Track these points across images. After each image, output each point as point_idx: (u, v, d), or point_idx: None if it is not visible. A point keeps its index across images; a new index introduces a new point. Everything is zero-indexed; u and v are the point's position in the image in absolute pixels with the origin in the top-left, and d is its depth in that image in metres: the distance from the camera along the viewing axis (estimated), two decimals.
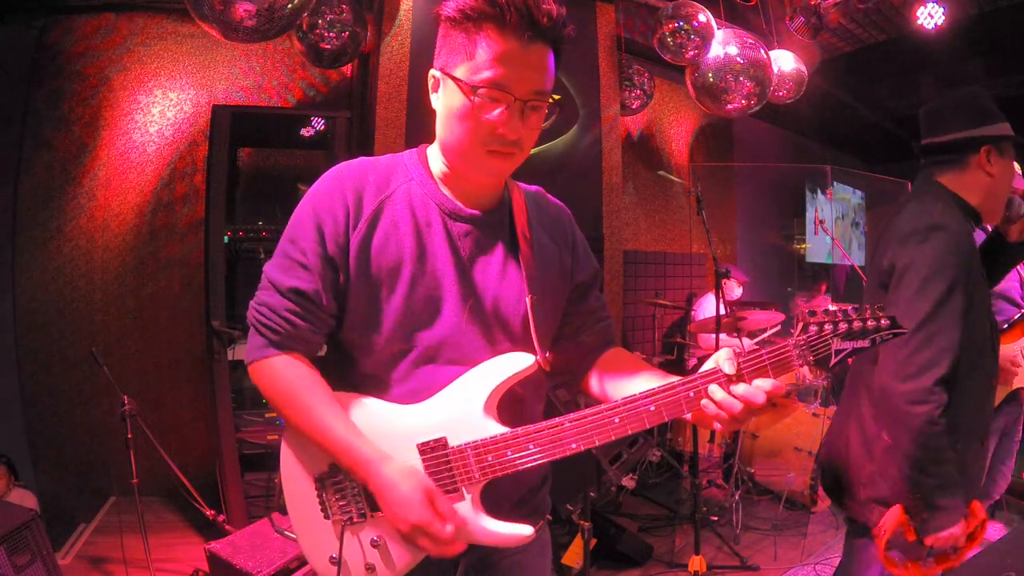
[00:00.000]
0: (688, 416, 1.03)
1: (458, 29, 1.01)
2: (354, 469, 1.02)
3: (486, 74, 0.99)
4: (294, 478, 1.12)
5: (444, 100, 1.06)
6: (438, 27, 1.06)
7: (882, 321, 1.00)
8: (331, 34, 3.28)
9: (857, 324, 0.99)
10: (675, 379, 1.03)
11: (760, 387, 0.97)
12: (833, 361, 0.99)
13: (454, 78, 1.02)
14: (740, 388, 0.97)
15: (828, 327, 0.99)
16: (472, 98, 1.00)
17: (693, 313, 4.84)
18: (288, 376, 1.07)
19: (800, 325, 1.01)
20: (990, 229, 1.88)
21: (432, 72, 1.08)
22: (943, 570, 1.50)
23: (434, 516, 0.98)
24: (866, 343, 1.00)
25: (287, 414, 1.07)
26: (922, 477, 1.43)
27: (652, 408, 1.00)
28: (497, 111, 1.01)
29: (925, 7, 3.85)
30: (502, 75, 0.99)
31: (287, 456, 1.13)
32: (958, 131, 1.60)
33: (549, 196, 1.29)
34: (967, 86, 1.68)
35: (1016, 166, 2.13)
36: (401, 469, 1.01)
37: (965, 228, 1.53)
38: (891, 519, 1.49)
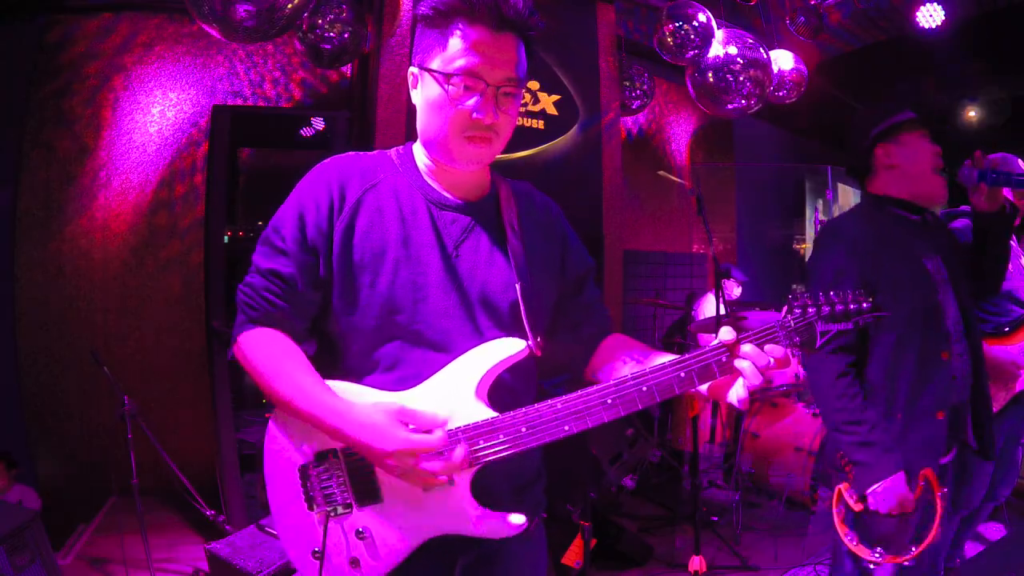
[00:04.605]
0: (703, 389, 1.05)
1: (432, 26, 1.07)
2: (326, 422, 1.02)
3: (459, 63, 1.04)
4: (277, 470, 1.11)
5: (423, 93, 1.11)
6: (415, 29, 1.11)
7: (863, 304, 1.04)
8: (331, 34, 3.28)
9: (840, 307, 1.03)
10: (669, 358, 1.05)
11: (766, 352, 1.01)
12: (818, 343, 1.03)
13: (430, 70, 1.07)
14: (748, 347, 1.00)
15: (812, 309, 1.03)
16: (447, 87, 1.05)
17: (693, 313, 4.83)
18: (262, 345, 1.10)
19: (785, 308, 1.04)
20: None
21: (411, 69, 1.13)
22: (905, 558, 1.66)
23: (413, 434, 0.98)
24: (848, 325, 1.03)
25: (260, 381, 1.08)
26: (839, 435, 1.67)
27: (644, 389, 1.01)
28: (472, 99, 1.06)
29: (925, 7, 3.85)
30: (474, 63, 1.04)
31: (271, 448, 1.13)
32: (855, 146, 1.87)
33: (537, 191, 1.31)
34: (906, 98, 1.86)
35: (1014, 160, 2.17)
36: (370, 404, 1.01)
37: (870, 228, 1.76)
38: (836, 492, 1.70)
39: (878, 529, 1.68)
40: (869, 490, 1.62)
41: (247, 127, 3.30)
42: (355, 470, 1.06)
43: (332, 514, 1.06)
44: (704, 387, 1.04)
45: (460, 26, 1.04)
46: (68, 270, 3.69)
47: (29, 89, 3.58)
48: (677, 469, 4.21)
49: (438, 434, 0.99)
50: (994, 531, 3.35)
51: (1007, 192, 2.52)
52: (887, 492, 1.61)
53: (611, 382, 1.03)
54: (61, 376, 3.64)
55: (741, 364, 0.99)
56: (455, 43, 1.04)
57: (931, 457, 1.68)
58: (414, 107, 1.15)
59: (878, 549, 1.65)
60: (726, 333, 1.01)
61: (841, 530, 1.71)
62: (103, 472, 3.57)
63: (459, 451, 0.99)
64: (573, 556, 2.71)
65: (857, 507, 1.66)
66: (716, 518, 3.56)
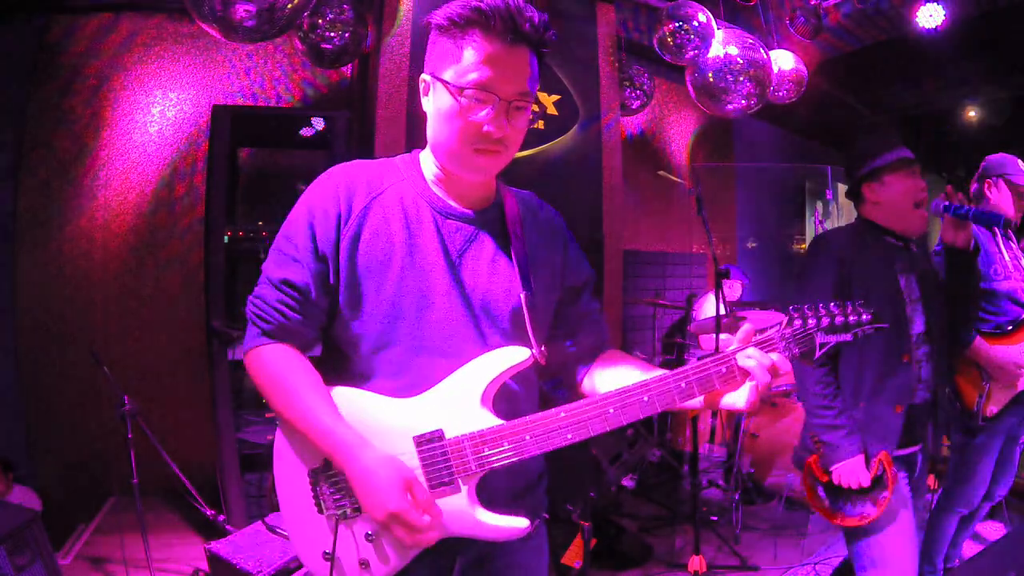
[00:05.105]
0: (697, 402, 1.07)
1: (446, 35, 1.07)
2: (333, 455, 1.03)
3: (472, 76, 1.04)
4: (288, 472, 1.12)
5: (434, 102, 1.11)
6: (428, 35, 1.11)
7: (863, 316, 1.06)
8: (332, 34, 3.28)
9: (840, 319, 1.05)
10: (666, 372, 1.06)
11: (767, 356, 1.03)
12: (818, 354, 1.05)
13: (443, 81, 1.07)
14: (752, 350, 1.02)
15: (812, 321, 1.05)
16: (460, 99, 1.05)
17: (693, 313, 4.83)
18: (277, 363, 1.10)
19: (786, 319, 1.06)
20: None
21: (423, 77, 1.13)
22: (862, 520, 1.90)
23: (411, 505, 0.99)
24: (848, 337, 1.05)
25: (274, 400, 1.09)
26: (812, 419, 1.93)
27: (645, 399, 1.03)
28: (484, 111, 1.06)
29: (925, 7, 3.85)
30: (487, 77, 1.04)
31: (281, 450, 1.14)
32: (849, 180, 2.10)
33: (540, 200, 1.32)
34: (867, 134, 2.15)
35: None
36: (380, 457, 1.02)
37: (855, 243, 1.99)
38: (807, 465, 2.01)
39: (841, 499, 1.95)
40: (833, 467, 1.89)
41: (247, 127, 3.30)
42: None
43: (342, 518, 1.07)
44: (700, 399, 1.07)
45: (475, 38, 1.04)
46: (68, 270, 3.69)
47: (29, 89, 3.58)
48: (677, 469, 4.21)
49: (426, 519, 1.00)
50: (993, 531, 3.35)
51: (1008, 199, 2.56)
52: (848, 470, 1.87)
53: (613, 392, 1.04)
54: (61, 376, 3.64)
55: (747, 362, 1.01)
56: (469, 55, 1.04)
57: (888, 443, 1.90)
58: (414, 107, 1.15)
59: (840, 514, 1.95)
60: (730, 341, 1.04)
61: (809, 495, 2.02)
62: (103, 472, 3.57)
63: (432, 535, 1.02)
64: (573, 556, 2.71)
65: (823, 478, 1.94)
66: (716, 518, 3.56)
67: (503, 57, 1.04)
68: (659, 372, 1.09)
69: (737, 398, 1.03)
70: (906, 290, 1.95)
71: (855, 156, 2.08)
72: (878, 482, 1.87)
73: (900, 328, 1.91)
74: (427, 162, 1.18)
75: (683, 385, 1.03)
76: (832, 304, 1.06)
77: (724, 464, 4.15)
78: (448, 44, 1.06)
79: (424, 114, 1.14)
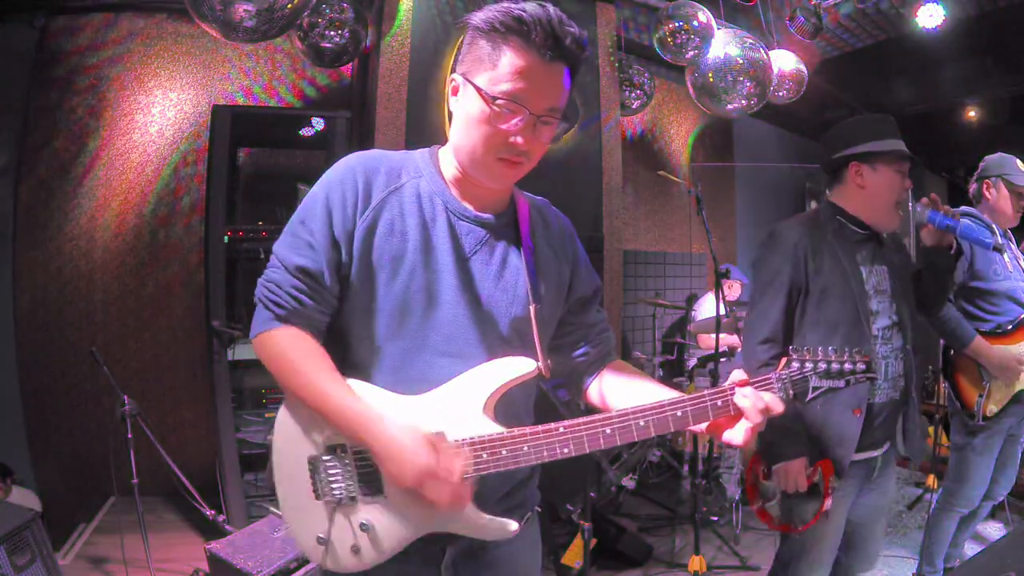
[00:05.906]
0: (700, 428, 1.10)
1: (484, 39, 1.06)
2: (353, 430, 1.03)
3: (506, 86, 1.04)
4: (288, 457, 1.13)
5: (463, 105, 1.10)
6: (464, 34, 1.10)
7: (858, 364, 1.11)
8: (332, 34, 3.27)
9: (835, 366, 1.10)
10: (669, 396, 1.10)
11: (761, 397, 1.06)
12: (810, 397, 1.10)
13: (475, 86, 1.06)
14: (748, 391, 1.06)
15: (808, 365, 1.10)
16: (491, 107, 1.05)
17: (693, 313, 4.83)
18: (290, 345, 1.10)
19: (783, 360, 1.11)
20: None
21: (453, 76, 1.12)
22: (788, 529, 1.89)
23: (439, 460, 1.00)
24: (841, 383, 1.11)
25: (286, 381, 1.09)
26: None
27: (642, 423, 1.06)
28: (512, 122, 1.06)
29: (925, 7, 3.85)
30: (521, 89, 1.04)
31: (282, 435, 1.14)
32: (834, 153, 1.93)
33: (553, 208, 1.32)
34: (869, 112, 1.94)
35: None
36: (400, 424, 1.03)
37: (811, 235, 1.87)
38: (750, 462, 1.96)
39: (783, 500, 1.90)
40: (774, 467, 1.84)
41: (247, 127, 3.30)
42: (362, 465, 1.08)
43: (337, 505, 1.08)
44: (703, 426, 1.09)
45: (513, 47, 1.03)
46: (68, 270, 3.69)
47: (29, 89, 3.58)
48: (677, 469, 4.21)
49: (458, 466, 1.02)
50: (993, 531, 3.35)
51: (1007, 199, 2.56)
52: (786, 473, 1.81)
53: (614, 413, 1.06)
54: (61, 376, 3.64)
55: (743, 402, 1.05)
56: (505, 64, 1.03)
57: (844, 448, 1.81)
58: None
59: (772, 516, 1.91)
60: (734, 376, 1.07)
61: (750, 496, 1.97)
62: (103, 472, 3.57)
63: (467, 491, 1.03)
64: (573, 556, 2.71)
65: (763, 477, 1.91)
66: (716, 518, 3.56)
67: (540, 71, 1.04)
68: (663, 389, 1.12)
69: (734, 435, 1.07)
70: (870, 282, 1.86)
71: (853, 129, 1.94)
72: (815, 490, 1.80)
73: (860, 325, 1.81)
74: (446, 161, 1.18)
75: (679, 414, 1.06)
76: (831, 349, 1.11)
77: (724, 463, 4.15)
78: (485, 49, 1.05)
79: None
